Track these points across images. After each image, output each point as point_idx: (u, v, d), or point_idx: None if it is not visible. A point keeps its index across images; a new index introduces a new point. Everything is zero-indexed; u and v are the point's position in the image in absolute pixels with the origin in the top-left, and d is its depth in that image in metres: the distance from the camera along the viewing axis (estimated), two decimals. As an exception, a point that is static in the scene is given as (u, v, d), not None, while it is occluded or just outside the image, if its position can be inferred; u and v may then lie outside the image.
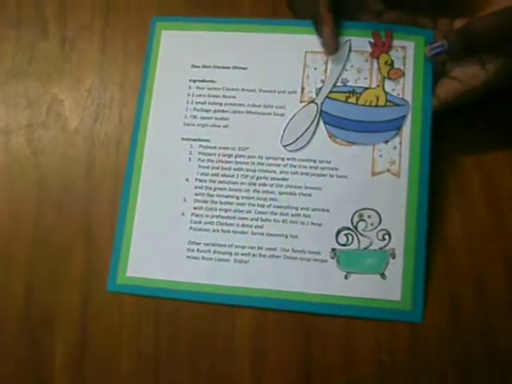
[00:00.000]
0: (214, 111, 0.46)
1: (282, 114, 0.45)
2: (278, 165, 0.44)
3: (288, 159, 0.44)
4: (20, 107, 0.49)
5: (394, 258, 0.42)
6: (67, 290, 0.45)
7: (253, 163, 0.44)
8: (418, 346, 0.42)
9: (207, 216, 0.44)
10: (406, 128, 0.43)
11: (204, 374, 0.43)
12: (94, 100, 0.49)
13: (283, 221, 0.43)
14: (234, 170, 0.44)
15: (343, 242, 0.43)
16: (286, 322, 0.43)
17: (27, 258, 0.46)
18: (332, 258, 0.42)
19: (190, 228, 0.44)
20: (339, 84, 0.45)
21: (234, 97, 0.46)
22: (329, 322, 0.42)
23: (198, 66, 0.47)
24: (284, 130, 0.45)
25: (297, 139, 0.44)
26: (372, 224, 0.43)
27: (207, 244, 0.44)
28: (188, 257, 0.43)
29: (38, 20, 0.51)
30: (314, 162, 0.44)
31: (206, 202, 0.44)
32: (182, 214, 0.44)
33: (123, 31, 0.50)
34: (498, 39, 0.39)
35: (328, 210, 0.43)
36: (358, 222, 0.43)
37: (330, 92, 0.45)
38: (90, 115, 0.49)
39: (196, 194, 0.44)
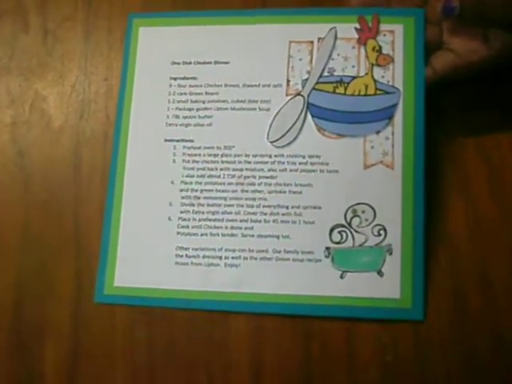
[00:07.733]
0: (197, 109, 0.44)
1: (268, 109, 0.43)
2: (266, 162, 0.42)
3: (276, 156, 0.42)
4: (2, 105, 0.48)
5: (390, 254, 0.40)
6: (57, 301, 0.43)
7: (239, 162, 0.43)
8: (423, 345, 0.40)
9: (195, 220, 0.42)
10: (398, 117, 0.42)
11: (201, 381, 0.41)
12: (79, 95, 0.47)
13: (274, 221, 0.42)
14: (221, 170, 0.43)
15: (337, 240, 0.41)
16: (284, 325, 0.41)
17: (15, 269, 0.44)
18: (326, 257, 0.41)
19: (178, 233, 0.42)
20: (326, 74, 0.43)
21: (217, 93, 0.44)
22: (329, 324, 0.41)
23: (179, 63, 0.45)
24: (270, 126, 0.43)
25: (284, 134, 0.42)
26: (366, 219, 0.41)
27: (196, 249, 0.42)
28: (177, 263, 0.42)
29: (18, 12, 0.49)
30: (303, 157, 0.42)
31: (192, 205, 0.43)
32: (169, 218, 0.43)
33: (107, 20, 0.48)
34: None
35: (320, 207, 0.41)
36: (351, 218, 0.41)
37: (317, 83, 0.43)
38: (75, 111, 0.47)
39: (182, 198, 0.43)
